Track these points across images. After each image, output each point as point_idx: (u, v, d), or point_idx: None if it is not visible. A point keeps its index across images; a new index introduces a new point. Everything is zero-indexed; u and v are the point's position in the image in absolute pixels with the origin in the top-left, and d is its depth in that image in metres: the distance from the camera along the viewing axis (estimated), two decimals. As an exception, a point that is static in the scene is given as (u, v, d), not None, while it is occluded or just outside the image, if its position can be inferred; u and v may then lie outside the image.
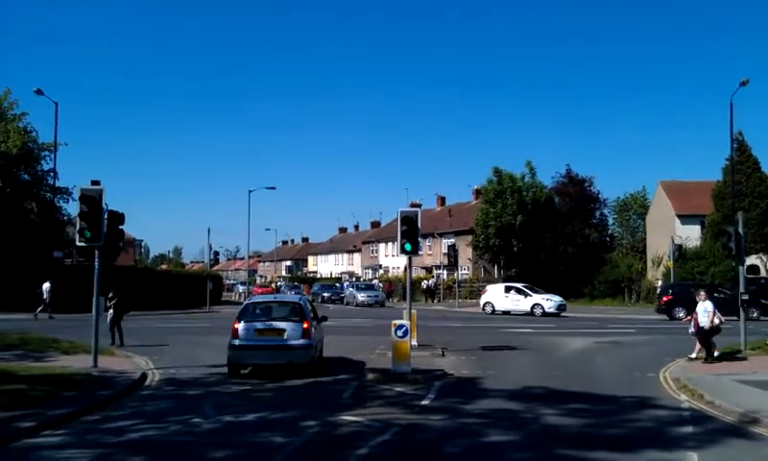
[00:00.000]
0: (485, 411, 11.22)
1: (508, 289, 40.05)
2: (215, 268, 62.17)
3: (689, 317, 18.04)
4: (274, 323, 14.95)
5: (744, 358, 17.48)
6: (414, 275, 45.33)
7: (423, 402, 12.10)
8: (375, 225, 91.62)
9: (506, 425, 10.17)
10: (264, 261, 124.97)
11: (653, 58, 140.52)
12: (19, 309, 32.34)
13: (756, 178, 44.21)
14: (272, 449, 8.64)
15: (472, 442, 9.27)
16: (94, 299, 15.41)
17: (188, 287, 47.09)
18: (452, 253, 46.73)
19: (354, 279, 75.86)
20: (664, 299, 34.55)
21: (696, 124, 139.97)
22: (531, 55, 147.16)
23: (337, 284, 67.41)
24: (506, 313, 38.47)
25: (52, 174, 39.86)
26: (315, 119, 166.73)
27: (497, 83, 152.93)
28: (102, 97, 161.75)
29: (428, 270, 65.15)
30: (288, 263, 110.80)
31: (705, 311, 16.88)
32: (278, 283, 79.78)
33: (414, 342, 17.89)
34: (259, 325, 14.85)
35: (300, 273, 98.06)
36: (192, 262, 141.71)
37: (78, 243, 15.25)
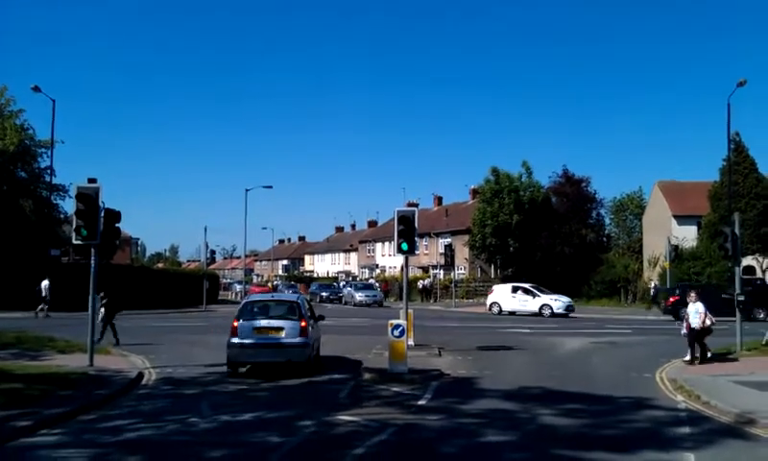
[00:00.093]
0: (482, 411, 11.23)
1: (515, 289, 39.49)
2: (211, 267, 62.27)
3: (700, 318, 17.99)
4: (272, 321, 15.06)
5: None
6: (410, 274, 45.31)
7: (420, 402, 12.10)
8: (372, 224, 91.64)
9: (503, 426, 10.18)
10: (261, 260, 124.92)
11: (650, 58, 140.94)
12: (15, 308, 32.25)
13: (752, 179, 44.29)
14: (268, 449, 8.63)
15: (469, 442, 9.28)
16: (90, 297, 15.38)
17: (185, 286, 47.00)
18: (449, 252, 46.65)
19: (351, 279, 75.80)
20: (671, 299, 34.27)
21: (693, 124, 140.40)
22: (529, 55, 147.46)
23: (335, 284, 67.26)
24: (512, 313, 38.13)
25: (49, 171, 39.83)
26: (312, 118, 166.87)
27: (495, 83, 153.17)
28: (99, 95, 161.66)
29: (425, 270, 65.19)
30: (285, 262, 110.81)
31: (696, 313, 16.92)
32: (275, 282, 79.69)
33: (410, 342, 17.91)
34: (258, 323, 14.96)
35: (296, 272, 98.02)
36: (188, 261, 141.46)
37: (74, 241, 15.23)
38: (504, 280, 55.42)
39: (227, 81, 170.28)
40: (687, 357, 16.97)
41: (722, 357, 17.34)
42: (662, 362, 16.97)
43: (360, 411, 11.17)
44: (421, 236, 60.30)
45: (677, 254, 39.98)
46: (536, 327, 29.64)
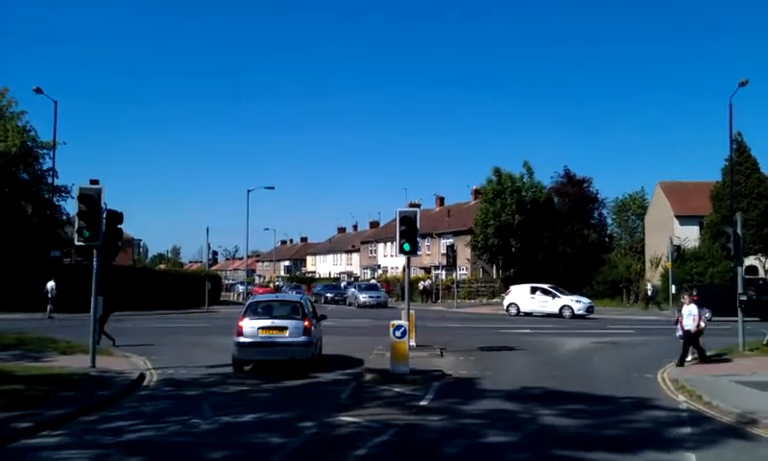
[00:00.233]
0: (483, 412, 11.23)
1: (534, 290, 38.61)
2: (213, 268, 62.16)
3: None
4: (276, 321, 15.48)
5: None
6: (412, 275, 45.30)
7: (422, 403, 12.10)
8: (374, 225, 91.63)
9: (504, 426, 10.18)
10: (263, 261, 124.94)
11: (651, 58, 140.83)
12: (17, 309, 32.31)
13: (754, 178, 44.22)
14: (270, 450, 8.64)
15: (471, 442, 9.28)
16: (92, 298, 15.40)
17: (186, 287, 47.01)
18: (451, 253, 46.63)
19: (353, 279, 75.73)
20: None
21: (695, 125, 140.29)
22: (529, 55, 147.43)
23: (342, 284, 67.07)
24: (528, 314, 37.44)
25: (51, 173, 39.85)
26: (313, 118, 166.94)
27: (496, 83, 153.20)
28: (100, 95, 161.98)
29: (427, 270, 65.19)
30: (287, 263, 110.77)
31: (689, 314, 16.89)
32: (278, 283, 79.69)
33: (412, 342, 17.90)
34: (263, 323, 15.37)
35: (298, 273, 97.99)
36: (190, 262, 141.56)
37: (76, 242, 15.23)
38: (506, 281, 55.39)
39: (227, 81, 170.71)
40: (689, 358, 16.92)
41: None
42: (664, 362, 16.93)
43: (362, 412, 11.17)
44: (423, 237, 60.23)
45: (679, 254, 39.90)
46: (537, 327, 29.62)
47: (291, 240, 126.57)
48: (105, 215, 14.90)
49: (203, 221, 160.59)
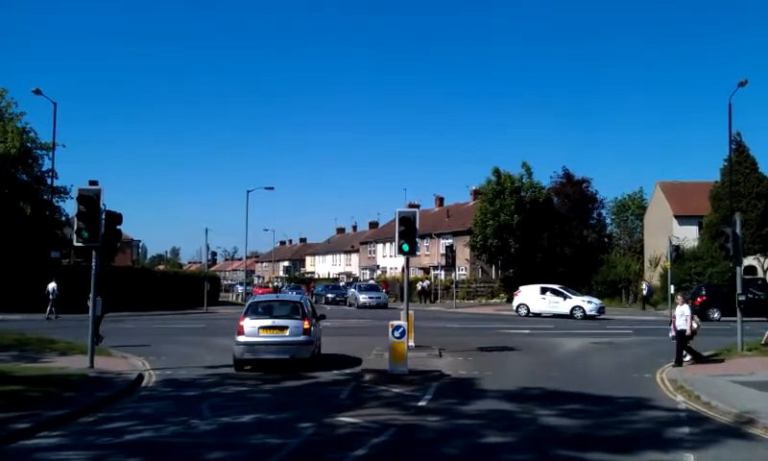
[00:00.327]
0: (482, 412, 11.24)
1: (544, 291, 37.99)
2: (213, 268, 62.24)
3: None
4: (277, 321, 15.74)
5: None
6: (411, 275, 45.27)
7: (420, 403, 12.10)
8: (373, 225, 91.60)
9: (503, 426, 10.18)
10: (262, 262, 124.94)
11: (651, 58, 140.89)
12: (16, 310, 32.31)
13: (753, 178, 44.22)
14: (269, 451, 8.64)
15: (469, 443, 9.28)
16: (91, 299, 15.40)
17: (186, 288, 46.99)
18: (450, 253, 46.57)
19: (352, 280, 75.64)
20: (698, 300, 33.84)
21: (694, 124, 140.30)
22: (529, 55, 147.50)
23: (341, 284, 66.83)
24: (537, 315, 37.01)
25: (50, 174, 39.82)
26: (313, 119, 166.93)
27: (496, 83, 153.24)
28: (100, 95, 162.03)
29: (426, 271, 65.19)
30: (286, 264, 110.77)
31: (682, 315, 16.91)
32: (277, 284, 79.65)
33: (411, 343, 17.90)
34: (263, 322, 15.64)
35: (297, 273, 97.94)
36: (190, 263, 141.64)
37: (75, 243, 15.26)
38: (505, 281, 55.47)
39: (226, 81, 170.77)
40: (687, 358, 16.94)
41: (716, 358, 17.26)
42: (663, 363, 16.96)
43: (361, 412, 11.18)
44: (423, 237, 60.22)
45: (678, 254, 39.91)
46: (536, 327, 29.62)
47: (290, 241, 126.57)
48: (104, 216, 14.91)
49: (202, 222, 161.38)
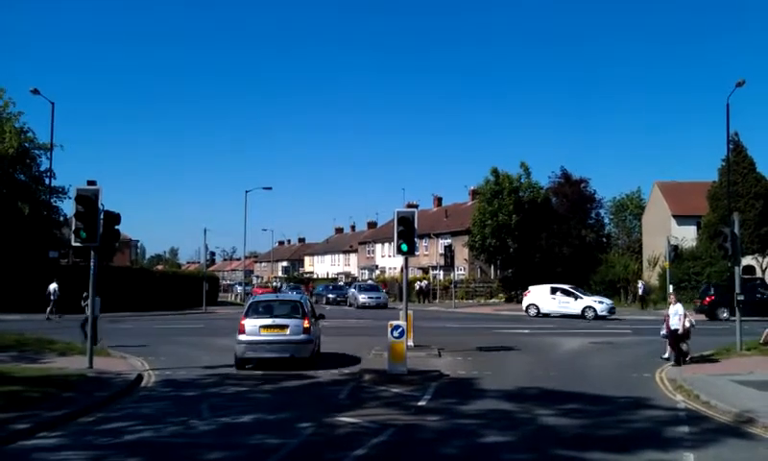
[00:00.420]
0: (481, 412, 11.24)
1: (554, 291, 37.68)
2: (211, 269, 62.25)
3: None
4: (277, 320, 15.98)
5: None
6: (410, 275, 45.24)
7: (420, 403, 12.10)
8: (372, 225, 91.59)
9: (502, 426, 10.18)
10: (260, 262, 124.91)
11: (649, 58, 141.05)
12: (15, 310, 32.25)
13: (751, 178, 44.29)
14: (268, 451, 8.63)
15: (469, 442, 9.28)
16: (90, 299, 15.39)
17: (184, 288, 46.97)
18: (449, 253, 46.55)
19: (351, 280, 75.61)
20: (707, 299, 33.91)
21: (692, 124, 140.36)
22: (528, 55, 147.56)
23: (339, 283, 66.66)
24: (546, 315, 36.75)
25: (48, 174, 39.79)
26: (312, 119, 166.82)
27: (494, 83, 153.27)
28: (98, 95, 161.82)
29: (425, 271, 65.19)
30: (284, 264, 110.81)
31: (676, 314, 16.91)
32: (275, 284, 79.60)
33: (410, 343, 17.92)
34: (264, 321, 15.88)
35: (296, 273, 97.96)
36: (188, 263, 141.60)
37: (74, 243, 15.24)
38: (504, 281, 55.50)
39: (225, 81, 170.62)
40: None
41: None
42: (662, 362, 16.98)
43: (360, 412, 11.17)
44: (421, 237, 60.22)
45: (676, 254, 39.95)
46: (535, 327, 29.64)
47: (289, 241, 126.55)
48: (102, 216, 14.90)
49: (200, 222, 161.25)
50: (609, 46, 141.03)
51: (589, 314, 35.50)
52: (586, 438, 9.54)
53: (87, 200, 14.68)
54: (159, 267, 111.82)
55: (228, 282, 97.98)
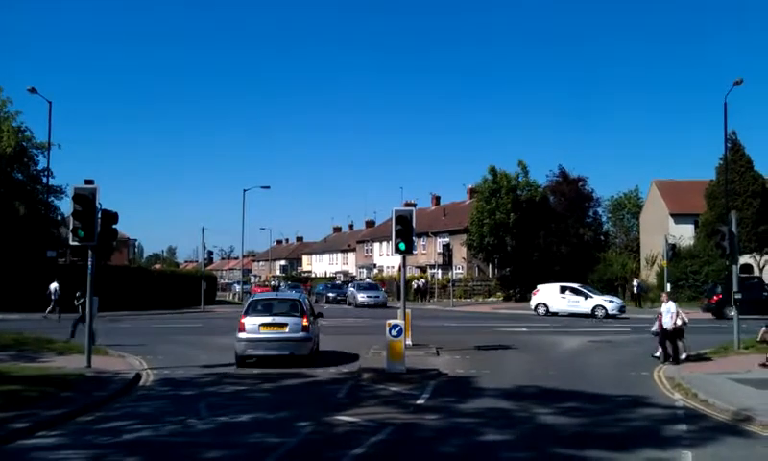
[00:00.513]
0: (479, 410, 11.25)
1: (563, 290, 37.46)
2: (209, 268, 62.16)
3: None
4: (277, 318, 16.22)
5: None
6: (408, 274, 45.21)
7: (418, 402, 12.11)
8: (370, 224, 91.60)
9: (501, 425, 10.20)
10: (258, 261, 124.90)
11: (647, 57, 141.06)
12: (14, 309, 32.20)
13: (749, 177, 44.37)
14: (267, 450, 8.63)
15: (467, 441, 9.29)
16: (87, 298, 15.38)
17: (182, 287, 46.93)
18: (447, 252, 46.59)
19: (349, 279, 75.58)
20: (714, 298, 33.85)
21: (690, 123, 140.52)
22: (526, 54, 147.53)
23: (337, 282, 66.57)
24: (555, 314, 36.46)
25: (46, 173, 39.75)
26: (311, 119, 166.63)
27: (493, 82, 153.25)
28: (97, 95, 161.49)
29: (423, 269, 65.23)
30: (282, 263, 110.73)
31: (668, 312, 16.93)
32: (274, 283, 79.58)
33: (408, 341, 17.91)
34: (264, 320, 16.11)
35: (294, 272, 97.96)
36: (186, 262, 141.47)
37: (71, 242, 15.23)
38: (502, 280, 55.51)
39: (223, 80, 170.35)
40: (683, 355, 16.95)
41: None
42: (660, 361, 16.99)
43: (359, 411, 11.17)
44: (419, 236, 60.23)
45: (674, 252, 39.96)
46: (534, 326, 29.68)
47: (287, 240, 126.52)
48: (100, 215, 14.88)
49: (198, 221, 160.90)
50: (607, 46, 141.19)
51: (600, 313, 35.22)
52: (584, 436, 9.56)
53: (85, 199, 14.66)
54: (157, 266, 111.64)
55: (226, 281, 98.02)
